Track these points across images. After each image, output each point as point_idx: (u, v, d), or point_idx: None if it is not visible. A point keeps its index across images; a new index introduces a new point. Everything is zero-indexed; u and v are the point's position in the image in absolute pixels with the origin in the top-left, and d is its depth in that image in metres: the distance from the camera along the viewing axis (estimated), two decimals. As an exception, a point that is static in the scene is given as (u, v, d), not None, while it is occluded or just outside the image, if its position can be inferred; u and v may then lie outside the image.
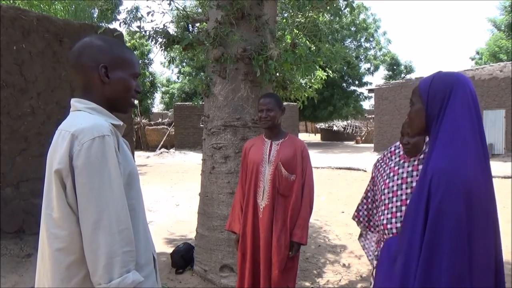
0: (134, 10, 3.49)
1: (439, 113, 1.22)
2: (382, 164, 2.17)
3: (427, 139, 1.94)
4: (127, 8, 3.54)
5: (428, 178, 1.17)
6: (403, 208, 1.89)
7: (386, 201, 1.98)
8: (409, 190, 1.91)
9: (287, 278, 2.43)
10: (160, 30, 3.41)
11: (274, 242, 2.38)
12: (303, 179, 2.46)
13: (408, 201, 1.86)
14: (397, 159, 2.07)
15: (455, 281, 1.10)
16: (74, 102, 1.22)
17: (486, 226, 1.17)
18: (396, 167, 2.02)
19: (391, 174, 2.02)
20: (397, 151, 2.11)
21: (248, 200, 2.51)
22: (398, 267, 1.28)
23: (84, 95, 1.23)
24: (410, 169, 1.95)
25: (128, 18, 3.49)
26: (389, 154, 2.16)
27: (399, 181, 1.96)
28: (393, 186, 1.98)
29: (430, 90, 1.25)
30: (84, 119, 1.13)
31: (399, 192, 1.94)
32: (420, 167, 1.92)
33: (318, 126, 34.16)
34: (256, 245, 2.46)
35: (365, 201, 2.29)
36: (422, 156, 1.96)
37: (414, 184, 1.91)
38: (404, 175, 1.95)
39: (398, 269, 1.28)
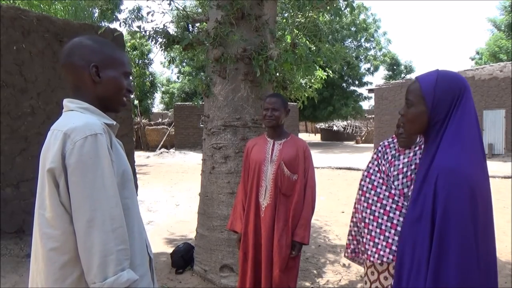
0: (136, 10, 3.48)
1: (446, 117, 1.21)
2: (380, 155, 2.26)
3: None
4: (127, 8, 3.54)
5: (434, 177, 1.16)
6: (401, 198, 2.02)
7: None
8: (405, 180, 2.04)
9: (288, 278, 2.42)
10: (160, 30, 3.41)
11: (276, 241, 2.38)
12: (305, 179, 2.46)
13: (404, 191, 2.01)
14: (393, 152, 2.18)
15: (464, 280, 1.10)
16: (67, 102, 1.22)
17: (488, 224, 1.18)
18: (393, 159, 2.14)
19: (387, 166, 2.15)
20: (391, 145, 2.22)
21: (250, 199, 2.51)
22: (405, 266, 1.27)
23: (75, 95, 1.23)
24: (405, 160, 2.08)
25: (129, 18, 3.49)
26: (384, 149, 2.25)
27: (395, 172, 2.08)
28: (390, 177, 2.11)
29: (436, 94, 1.21)
30: (76, 118, 1.13)
31: (395, 183, 2.06)
32: (415, 158, 2.04)
33: (318, 126, 34.15)
34: (258, 244, 2.46)
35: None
36: (417, 148, 2.08)
37: (409, 173, 2.03)
38: (400, 166, 2.07)
39: (405, 269, 1.27)
